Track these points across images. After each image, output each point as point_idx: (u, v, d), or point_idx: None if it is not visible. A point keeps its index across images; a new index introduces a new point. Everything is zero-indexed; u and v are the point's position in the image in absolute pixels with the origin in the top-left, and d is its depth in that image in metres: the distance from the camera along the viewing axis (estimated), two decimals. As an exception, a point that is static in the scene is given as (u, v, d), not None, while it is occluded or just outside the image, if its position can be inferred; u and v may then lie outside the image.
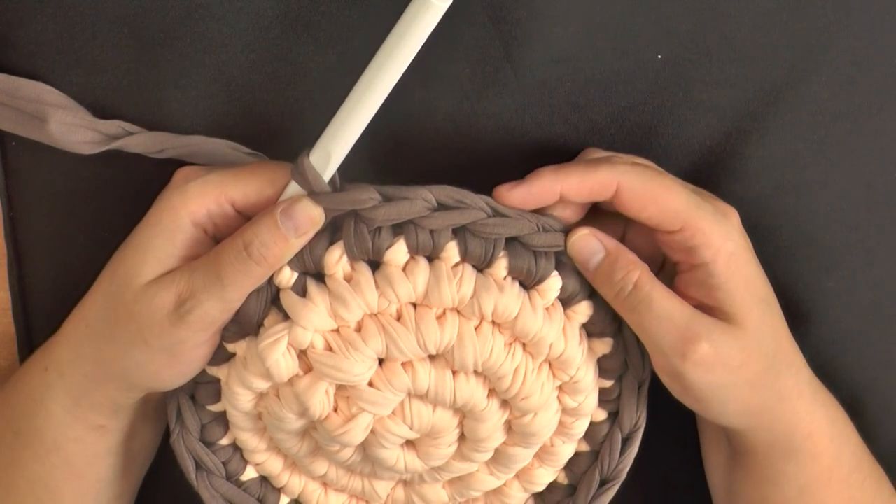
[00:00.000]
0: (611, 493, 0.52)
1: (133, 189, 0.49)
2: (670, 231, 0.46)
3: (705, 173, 0.51)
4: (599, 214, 0.48)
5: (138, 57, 0.47)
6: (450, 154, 0.50)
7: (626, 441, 0.51)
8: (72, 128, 0.48)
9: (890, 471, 0.58)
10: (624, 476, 0.52)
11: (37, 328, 0.54)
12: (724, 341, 0.46)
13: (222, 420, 0.51)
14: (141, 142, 0.48)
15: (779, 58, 0.48)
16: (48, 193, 0.52)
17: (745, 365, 0.47)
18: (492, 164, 0.50)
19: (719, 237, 0.46)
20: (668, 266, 0.49)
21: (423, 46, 0.47)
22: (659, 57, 0.48)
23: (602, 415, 0.51)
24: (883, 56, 0.49)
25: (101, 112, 0.49)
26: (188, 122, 0.49)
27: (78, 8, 0.47)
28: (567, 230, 0.47)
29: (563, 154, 0.50)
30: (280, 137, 0.49)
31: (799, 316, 0.54)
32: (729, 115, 0.50)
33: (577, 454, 0.52)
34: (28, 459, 0.51)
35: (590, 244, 0.46)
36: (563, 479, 0.53)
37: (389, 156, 0.50)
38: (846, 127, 0.50)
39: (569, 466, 0.53)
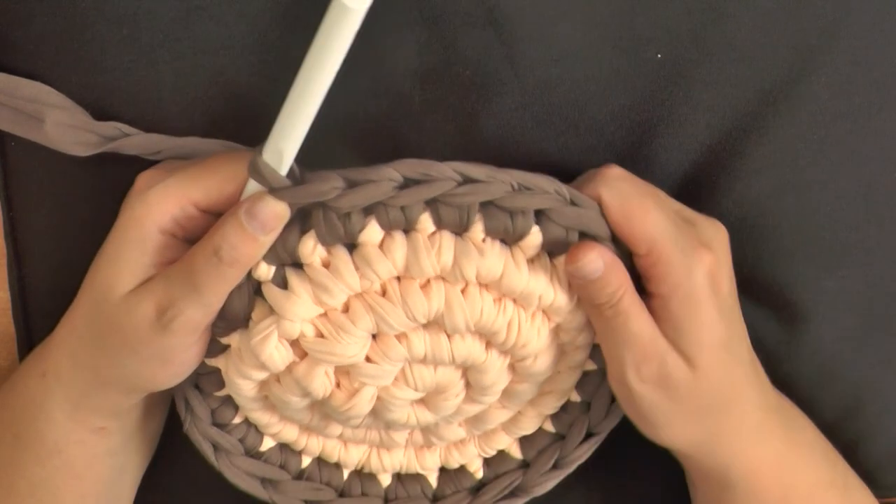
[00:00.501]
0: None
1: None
2: (636, 252, 0.47)
3: (705, 173, 0.51)
4: None
5: (138, 58, 0.47)
6: (450, 154, 0.50)
7: None
8: (68, 129, 0.48)
9: (889, 471, 0.58)
10: None
11: (37, 328, 0.54)
12: (677, 368, 0.47)
13: (231, 402, 0.51)
14: (137, 143, 0.48)
15: (779, 58, 0.48)
16: (48, 193, 0.51)
17: (688, 399, 0.48)
18: (492, 163, 0.49)
19: (679, 275, 0.46)
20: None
21: (422, 46, 0.47)
22: (659, 56, 0.48)
23: None
24: (883, 56, 0.49)
25: (100, 112, 0.48)
26: (187, 124, 0.48)
27: (78, 8, 0.47)
28: (560, 189, 0.46)
29: (563, 153, 0.50)
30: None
31: (799, 316, 0.54)
32: (729, 114, 0.50)
33: (585, 373, 0.52)
34: (28, 461, 0.51)
35: (594, 264, 0.46)
36: (576, 398, 0.53)
37: (389, 156, 0.49)
38: (846, 127, 0.50)
39: (580, 386, 0.53)
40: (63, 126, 0.48)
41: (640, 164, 0.50)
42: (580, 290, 0.47)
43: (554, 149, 0.50)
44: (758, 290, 0.53)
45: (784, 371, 0.55)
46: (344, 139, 0.48)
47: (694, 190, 0.51)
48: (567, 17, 0.47)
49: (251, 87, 0.48)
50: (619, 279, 0.46)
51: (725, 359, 0.48)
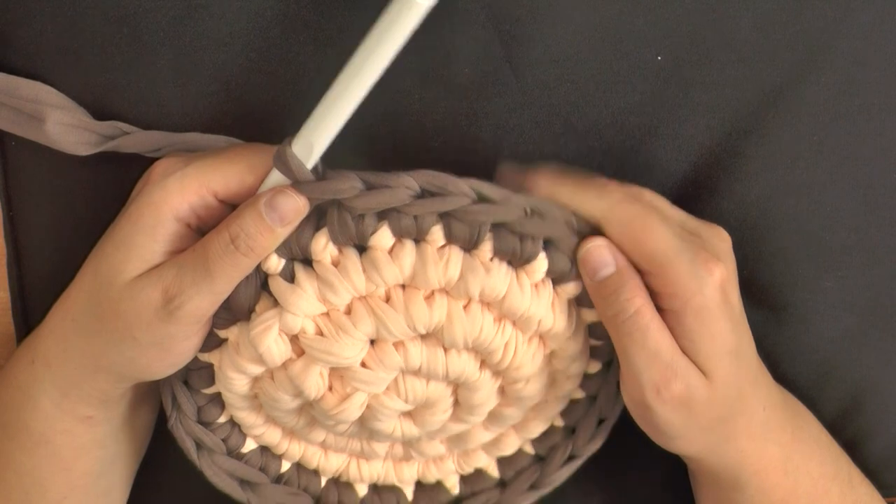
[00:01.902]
0: (608, 430, 0.53)
1: (132, 188, 0.49)
2: (645, 270, 0.46)
3: (705, 173, 0.51)
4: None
5: (138, 57, 0.47)
6: (450, 154, 0.50)
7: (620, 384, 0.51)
8: (68, 128, 0.48)
9: (888, 470, 0.58)
10: (618, 414, 0.52)
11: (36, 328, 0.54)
12: (697, 387, 0.47)
13: (218, 400, 0.52)
14: (137, 141, 0.48)
15: (779, 58, 0.48)
16: (48, 193, 0.52)
17: (705, 413, 0.47)
18: (492, 163, 0.50)
19: (689, 290, 0.46)
20: None
21: (421, 44, 0.47)
22: (658, 58, 0.48)
23: (597, 366, 0.51)
24: (883, 56, 0.49)
25: (100, 112, 0.49)
26: (187, 122, 0.49)
27: (78, 8, 0.47)
28: (570, 220, 0.46)
29: (562, 154, 0.50)
30: (279, 137, 0.49)
31: (799, 316, 0.54)
32: (729, 115, 0.50)
33: (572, 402, 0.53)
34: (15, 452, 0.51)
35: (603, 256, 0.46)
36: (560, 423, 0.54)
37: (389, 155, 0.50)
38: (846, 128, 0.50)
39: (565, 412, 0.53)
40: (64, 125, 0.48)
41: (639, 166, 0.50)
42: (594, 295, 0.47)
43: (553, 150, 0.50)
44: (758, 291, 0.53)
45: (784, 371, 0.55)
46: (343, 137, 0.48)
47: (694, 191, 0.51)
48: (567, 18, 0.47)
49: (252, 84, 0.48)
50: (633, 287, 0.46)
51: (736, 366, 0.48)
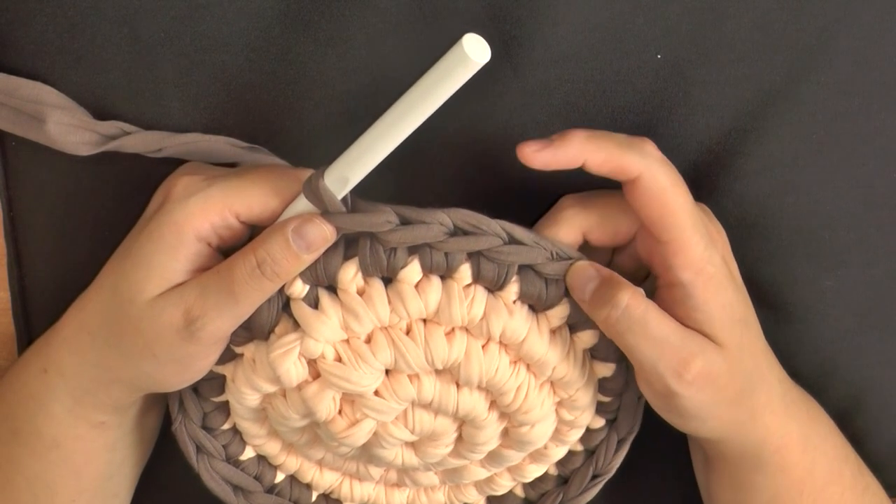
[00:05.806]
0: (600, 485, 0.53)
1: (133, 188, 0.49)
2: (658, 238, 0.46)
3: (705, 173, 0.51)
4: (587, 247, 0.48)
5: (138, 57, 0.47)
6: (450, 154, 0.50)
7: (620, 441, 0.52)
8: (69, 129, 0.48)
9: (889, 470, 0.58)
10: (615, 471, 0.53)
11: (37, 328, 0.54)
12: (715, 360, 0.46)
13: (224, 408, 0.52)
14: (138, 141, 0.48)
15: (779, 58, 0.49)
16: (48, 193, 0.52)
17: (729, 385, 0.47)
18: (492, 163, 0.50)
19: (701, 260, 0.46)
20: (647, 285, 0.49)
21: (422, 44, 0.47)
22: (658, 57, 0.48)
23: (600, 422, 0.52)
24: (883, 56, 0.49)
25: (101, 112, 0.49)
26: (188, 121, 0.49)
27: (78, 8, 0.47)
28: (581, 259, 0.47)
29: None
30: (280, 137, 0.49)
31: (798, 315, 0.54)
32: (728, 115, 0.50)
33: (570, 453, 0.53)
34: (26, 457, 0.51)
35: (587, 272, 0.46)
36: (554, 471, 0.54)
37: (388, 157, 0.49)
38: (846, 127, 0.50)
39: (561, 462, 0.53)
40: (64, 126, 0.48)
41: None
42: (590, 312, 0.47)
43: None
44: (757, 290, 0.53)
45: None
46: (342, 138, 0.48)
47: (693, 190, 0.51)
48: (567, 17, 0.47)
49: (252, 84, 0.48)
50: (618, 284, 0.46)
51: (746, 334, 0.48)
